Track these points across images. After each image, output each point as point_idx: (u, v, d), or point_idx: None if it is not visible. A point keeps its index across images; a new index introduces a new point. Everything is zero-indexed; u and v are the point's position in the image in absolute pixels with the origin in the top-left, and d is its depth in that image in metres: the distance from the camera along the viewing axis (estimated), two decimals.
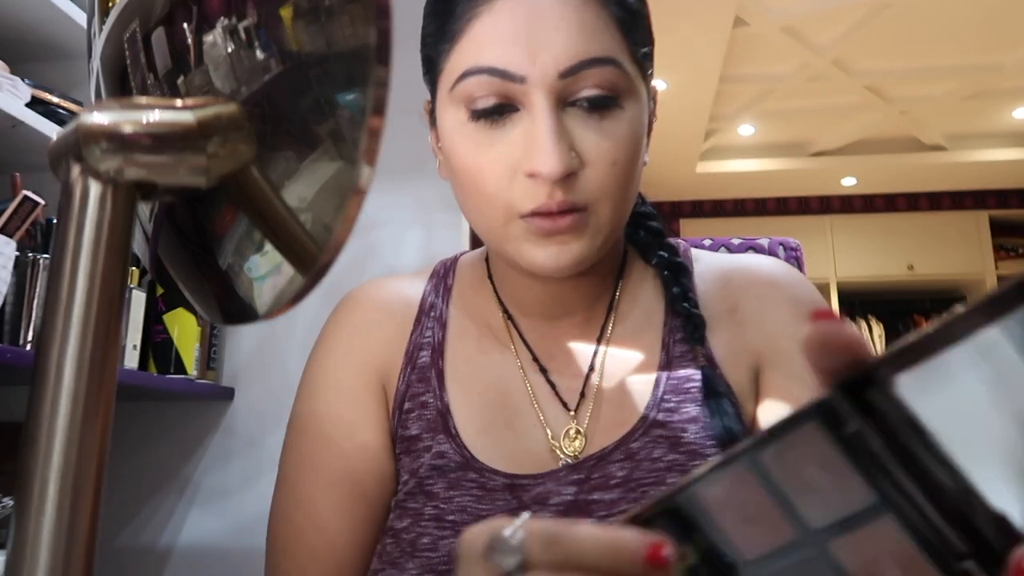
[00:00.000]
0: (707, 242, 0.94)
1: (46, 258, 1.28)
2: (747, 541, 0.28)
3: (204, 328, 1.67)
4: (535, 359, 0.70)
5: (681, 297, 0.69)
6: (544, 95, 0.59)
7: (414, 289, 0.76)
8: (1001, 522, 0.22)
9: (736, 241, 0.95)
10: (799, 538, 0.27)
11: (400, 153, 1.36)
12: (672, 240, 0.76)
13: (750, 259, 0.75)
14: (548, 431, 0.66)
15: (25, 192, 1.26)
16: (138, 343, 1.55)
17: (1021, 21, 3.39)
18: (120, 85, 0.40)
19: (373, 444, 0.68)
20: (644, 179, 0.68)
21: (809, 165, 4.87)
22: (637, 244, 0.76)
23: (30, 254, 1.27)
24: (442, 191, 1.24)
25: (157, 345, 1.62)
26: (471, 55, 0.61)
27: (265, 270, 0.33)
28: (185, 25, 0.35)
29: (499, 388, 0.69)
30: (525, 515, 0.33)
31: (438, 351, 0.71)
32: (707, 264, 0.75)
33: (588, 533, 0.31)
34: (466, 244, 1.81)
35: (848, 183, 5.12)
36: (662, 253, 0.73)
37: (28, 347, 1.25)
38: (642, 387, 0.67)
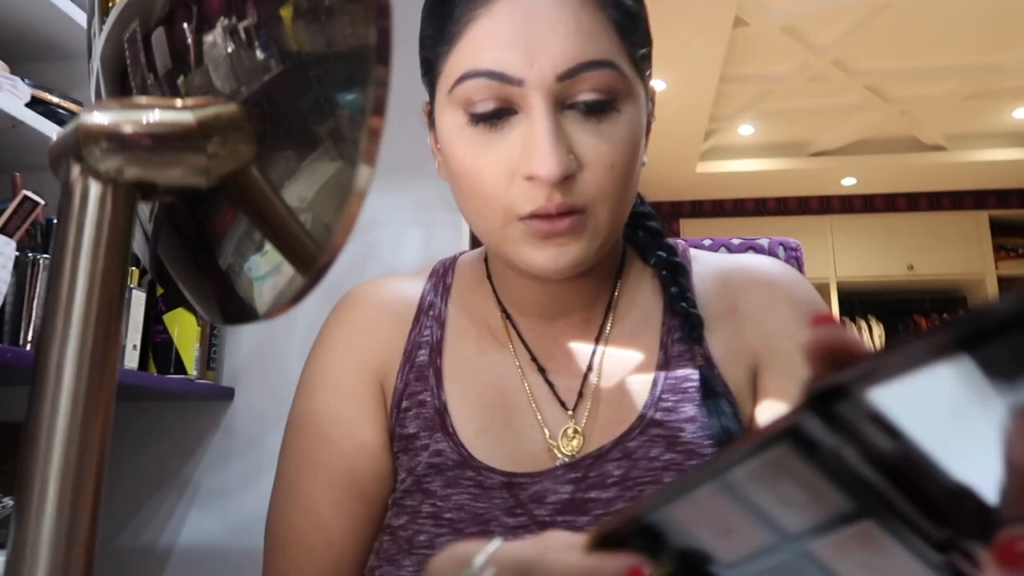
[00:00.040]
0: (707, 242, 0.94)
1: (46, 258, 1.28)
2: (724, 548, 0.28)
3: (204, 328, 1.67)
4: (533, 359, 0.70)
5: (679, 297, 0.69)
6: (542, 98, 0.59)
7: (413, 288, 0.76)
8: (980, 506, 0.22)
9: (736, 241, 0.95)
10: (778, 542, 0.27)
11: (400, 153, 1.36)
12: (671, 240, 0.76)
13: (749, 259, 0.75)
14: (546, 430, 0.66)
15: (25, 192, 1.26)
16: (138, 343, 1.55)
17: (1021, 21, 3.39)
18: (120, 85, 0.40)
19: (372, 442, 0.68)
20: (644, 179, 0.68)
21: (809, 165, 4.87)
22: (636, 244, 0.76)
23: (30, 254, 1.27)
24: (442, 191, 1.24)
25: (157, 345, 1.62)
26: (469, 58, 0.61)
27: (265, 270, 0.33)
28: (185, 25, 0.35)
29: (497, 388, 0.69)
30: (496, 542, 0.32)
31: (436, 350, 0.71)
32: (706, 264, 0.75)
33: (561, 565, 0.30)
34: (466, 244, 1.81)
35: (848, 183, 5.12)
36: (660, 253, 0.73)
37: (28, 347, 1.25)
38: (640, 386, 0.67)
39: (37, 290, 1.27)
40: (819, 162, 4.85)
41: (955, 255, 5.13)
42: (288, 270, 0.31)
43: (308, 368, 0.73)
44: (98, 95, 0.43)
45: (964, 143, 4.70)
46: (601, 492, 0.62)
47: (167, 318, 1.62)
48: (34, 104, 1.46)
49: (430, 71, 0.66)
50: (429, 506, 0.63)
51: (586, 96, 0.60)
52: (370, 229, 1.78)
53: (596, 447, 0.64)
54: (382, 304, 0.74)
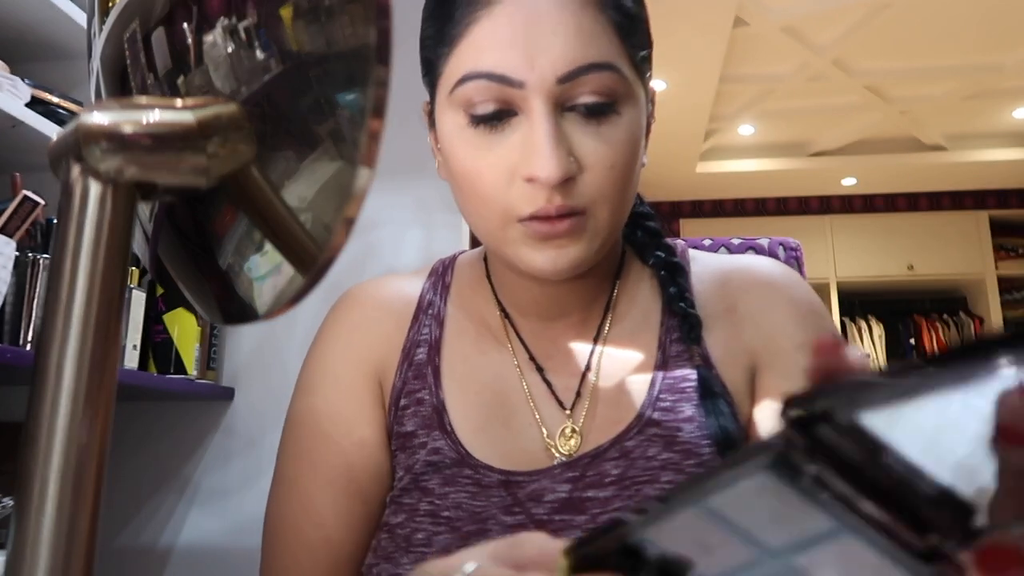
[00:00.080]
0: (707, 242, 0.94)
1: (46, 258, 1.28)
2: (707, 564, 0.28)
3: (204, 328, 1.67)
4: (532, 358, 0.70)
5: (677, 297, 0.69)
6: (542, 100, 0.59)
7: (412, 287, 0.76)
8: (964, 511, 0.22)
9: (736, 241, 0.95)
10: (760, 558, 0.27)
11: (400, 153, 1.36)
12: (670, 240, 0.76)
13: (748, 260, 0.75)
14: (544, 430, 0.66)
15: (25, 192, 1.26)
16: (138, 343, 1.55)
17: (1021, 21, 3.39)
18: (120, 85, 0.40)
19: (370, 440, 0.69)
20: (644, 179, 0.68)
21: (809, 165, 4.87)
22: (634, 244, 0.76)
23: (30, 254, 1.27)
24: (442, 191, 1.24)
25: (157, 345, 1.62)
26: (470, 59, 0.61)
27: (265, 270, 0.33)
28: (185, 25, 0.35)
29: (496, 387, 0.69)
30: (471, 565, 0.32)
31: (435, 348, 0.71)
32: (705, 264, 0.75)
33: None
34: (466, 244, 1.82)
35: (848, 183, 5.12)
36: (659, 253, 0.73)
37: (28, 347, 1.25)
38: (638, 386, 0.67)
39: (37, 290, 1.27)
40: (819, 162, 4.85)
41: (955, 255, 5.13)
42: (288, 270, 0.31)
43: (307, 365, 0.73)
44: (98, 95, 0.43)
45: (964, 143, 4.70)
46: (599, 491, 0.62)
47: (167, 318, 1.63)
48: (34, 104, 1.46)
49: (431, 72, 0.66)
50: (427, 504, 0.64)
51: (586, 98, 0.60)
52: (370, 229, 1.78)
53: (594, 446, 0.64)
54: (382, 302, 0.74)
